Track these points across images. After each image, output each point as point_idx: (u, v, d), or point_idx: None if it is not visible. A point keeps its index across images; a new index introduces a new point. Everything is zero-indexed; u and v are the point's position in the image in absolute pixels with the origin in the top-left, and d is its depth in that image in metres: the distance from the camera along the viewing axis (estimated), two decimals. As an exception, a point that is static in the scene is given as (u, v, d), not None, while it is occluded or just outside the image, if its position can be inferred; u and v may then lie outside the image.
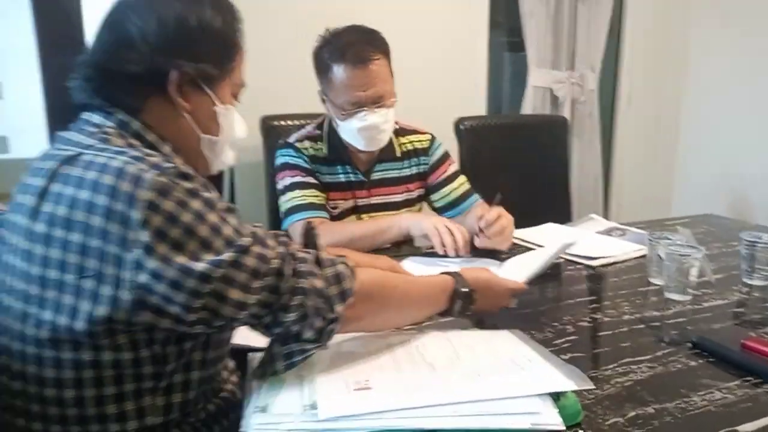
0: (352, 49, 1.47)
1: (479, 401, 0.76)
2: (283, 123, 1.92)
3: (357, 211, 1.64)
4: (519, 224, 1.69)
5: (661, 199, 3.17)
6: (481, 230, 1.45)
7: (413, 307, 0.99)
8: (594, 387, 0.83)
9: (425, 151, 1.70)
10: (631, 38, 2.97)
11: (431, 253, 1.46)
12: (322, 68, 1.52)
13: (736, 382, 0.91)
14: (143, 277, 0.71)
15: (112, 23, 0.86)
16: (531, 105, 2.77)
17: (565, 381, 0.80)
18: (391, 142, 1.63)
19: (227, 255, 0.74)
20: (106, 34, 0.86)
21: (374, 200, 1.66)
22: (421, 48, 2.47)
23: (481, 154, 2.05)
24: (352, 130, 1.52)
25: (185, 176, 0.76)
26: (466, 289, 1.02)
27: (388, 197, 1.67)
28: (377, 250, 1.46)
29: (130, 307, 0.72)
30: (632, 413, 0.82)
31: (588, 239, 1.66)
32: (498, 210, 1.48)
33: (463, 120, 2.04)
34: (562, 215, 2.02)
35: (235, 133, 0.96)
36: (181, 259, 0.71)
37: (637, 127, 3.06)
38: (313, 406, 0.74)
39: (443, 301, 1.01)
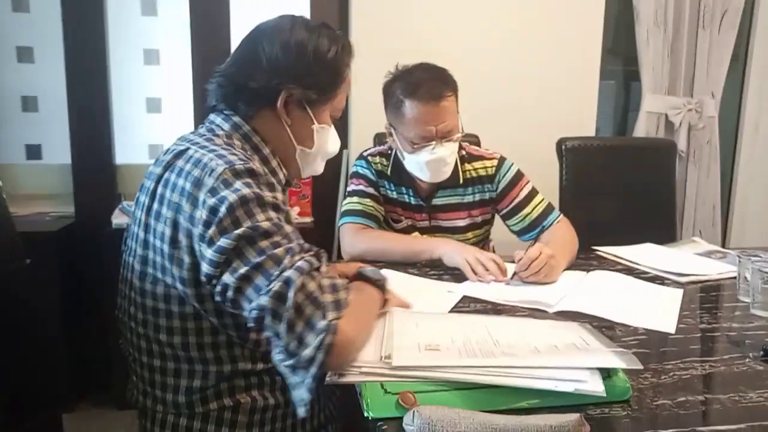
0: (424, 85, 1.54)
1: (532, 367, 0.87)
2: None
3: (418, 230, 1.73)
4: (619, 245, 1.74)
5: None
6: (515, 274, 1.43)
7: (375, 317, 1.03)
8: (642, 368, 0.89)
9: (491, 179, 1.71)
10: (758, 64, 2.86)
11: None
12: (393, 103, 1.60)
13: (800, 387, 0.93)
14: (201, 248, 0.89)
15: (247, 43, 1.08)
16: (644, 131, 2.75)
17: (615, 360, 0.88)
18: (455, 168, 1.66)
19: (242, 230, 0.87)
20: (241, 52, 1.08)
21: (435, 223, 1.73)
22: (532, 71, 2.57)
23: (583, 175, 2.10)
24: (419, 163, 1.60)
25: (251, 173, 0.93)
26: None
27: (450, 222, 1.73)
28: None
29: (198, 275, 0.91)
30: (682, 398, 0.88)
31: (684, 259, 1.67)
32: (537, 248, 1.43)
33: (565, 140, 2.11)
34: (667, 240, 2.00)
35: (328, 149, 1.15)
36: (218, 239, 0.87)
37: (762, 156, 2.92)
38: (388, 357, 0.89)
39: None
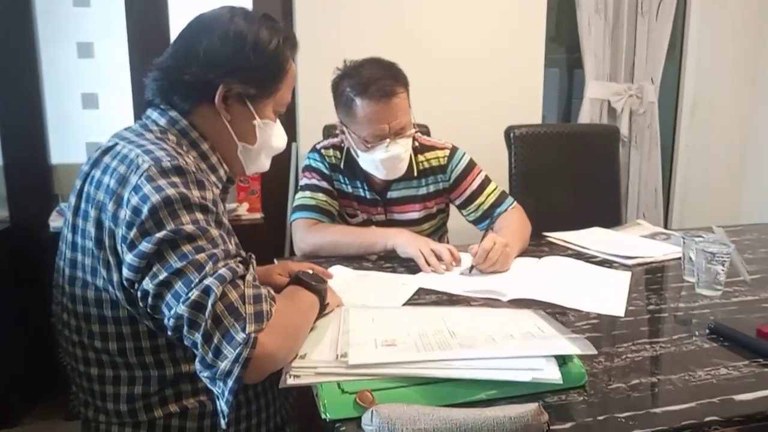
0: (375, 83, 1.51)
1: (489, 358, 0.86)
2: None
3: (374, 224, 1.71)
4: (568, 230, 1.77)
5: (729, 211, 3.11)
6: (473, 267, 1.42)
7: (309, 324, 0.99)
8: (596, 353, 0.91)
9: (443, 169, 1.71)
10: (693, 50, 2.96)
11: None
12: (343, 101, 1.56)
13: (745, 362, 0.96)
14: (123, 249, 0.85)
15: (185, 35, 1.03)
16: (588, 117, 2.80)
17: (570, 346, 0.89)
18: (408, 164, 1.64)
19: (164, 234, 0.83)
20: (177, 45, 1.03)
21: (391, 217, 1.72)
22: (478, 60, 2.59)
23: (532, 162, 2.12)
24: (374, 161, 1.57)
25: (178, 171, 0.88)
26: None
27: (406, 214, 1.72)
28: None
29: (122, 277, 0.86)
30: (635, 381, 0.90)
31: (630, 241, 1.71)
32: (491, 238, 1.43)
33: (513, 128, 2.12)
34: (613, 222, 2.05)
35: (272, 145, 1.10)
36: (140, 242, 0.83)
37: (701, 139, 3.03)
38: (344, 356, 0.87)
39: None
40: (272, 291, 0.89)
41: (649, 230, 1.85)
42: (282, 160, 2.39)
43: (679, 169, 3.05)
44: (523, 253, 1.57)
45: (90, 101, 2.38)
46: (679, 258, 1.47)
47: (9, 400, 2.10)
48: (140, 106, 1.14)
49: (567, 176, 2.17)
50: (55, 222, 2.09)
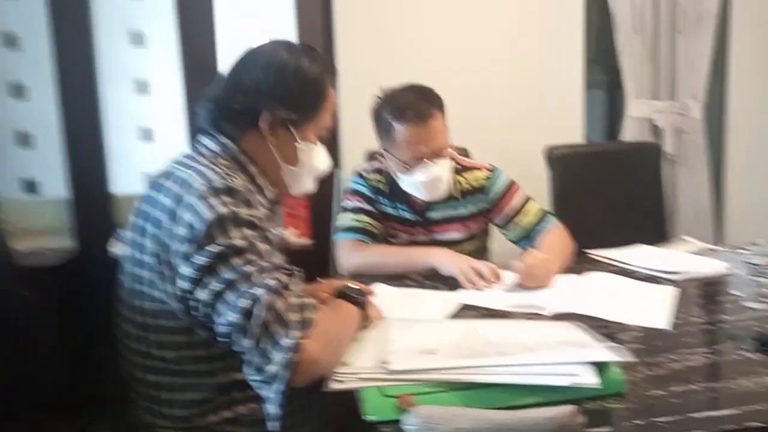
0: (411, 107, 1.57)
1: (527, 364, 0.88)
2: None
3: (416, 245, 1.72)
4: (611, 248, 1.76)
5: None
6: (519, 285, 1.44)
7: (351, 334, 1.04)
8: (635, 360, 0.91)
9: (484, 189, 1.73)
10: (737, 67, 2.92)
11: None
12: (383, 127, 1.62)
13: (791, 372, 0.95)
14: (178, 263, 0.92)
15: (233, 67, 1.12)
16: (631, 136, 2.78)
17: (607, 353, 0.90)
18: (448, 184, 1.67)
19: (216, 248, 0.90)
20: (227, 77, 1.12)
21: (433, 237, 1.74)
22: (517, 83, 2.61)
23: (572, 182, 2.13)
24: (414, 183, 1.62)
25: (229, 191, 0.95)
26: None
27: (448, 234, 1.74)
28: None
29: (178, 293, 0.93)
30: (676, 388, 0.90)
31: (676, 257, 1.69)
32: (532, 255, 1.46)
33: (553, 149, 2.14)
34: (657, 240, 2.02)
35: (315, 166, 1.17)
36: (194, 256, 0.90)
37: (749, 155, 2.96)
38: (385, 362, 0.91)
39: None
40: (315, 302, 0.94)
41: (695, 246, 1.82)
42: (326, 186, 2.46)
43: (728, 185, 2.98)
44: (565, 271, 1.58)
45: (146, 134, 2.52)
46: (727, 273, 1.45)
47: (65, 419, 2.19)
48: (193, 137, 1.24)
49: (609, 194, 2.17)
50: (114, 248, 2.21)
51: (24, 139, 2.41)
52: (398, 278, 1.55)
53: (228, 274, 0.89)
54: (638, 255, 1.71)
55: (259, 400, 1.01)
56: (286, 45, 1.12)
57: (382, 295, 1.40)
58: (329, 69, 1.14)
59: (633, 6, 2.68)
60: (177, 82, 2.45)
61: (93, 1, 2.34)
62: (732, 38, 2.90)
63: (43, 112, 2.36)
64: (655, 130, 2.84)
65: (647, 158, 2.23)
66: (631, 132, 2.79)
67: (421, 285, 1.51)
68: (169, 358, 0.99)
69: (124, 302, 1.04)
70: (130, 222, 1.06)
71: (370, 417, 0.82)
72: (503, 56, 2.61)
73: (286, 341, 0.86)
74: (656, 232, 2.18)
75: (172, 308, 0.96)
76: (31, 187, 2.45)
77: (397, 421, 0.80)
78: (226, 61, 1.15)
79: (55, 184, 2.41)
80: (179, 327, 0.98)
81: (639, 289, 1.43)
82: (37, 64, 2.34)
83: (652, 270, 1.56)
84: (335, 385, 0.88)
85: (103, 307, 2.08)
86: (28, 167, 2.44)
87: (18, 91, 2.38)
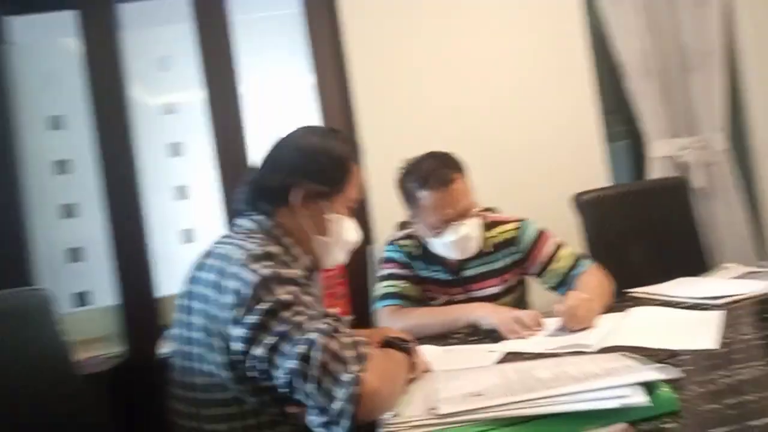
0: (433, 174, 1.64)
1: (575, 393, 0.88)
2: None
3: (456, 304, 1.75)
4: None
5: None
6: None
7: (402, 374, 1.08)
8: (683, 376, 0.90)
9: (515, 241, 1.77)
10: (754, 92, 2.94)
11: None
12: (408, 196, 1.70)
13: None
14: (229, 329, 0.98)
15: (269, 152, 1.23)
16: (658, 176, 2.80)
17: (654, 373, 0.90)
18: (480, 239, 1.72)
19: (266, 306, 0.96)
20: (263, 160, 1.22)
21: (471, 295, 1.76)
22: (537, 140, 2.69)
23: (603, 225, 2.14)
24: (446, 245, 1.67)
25: (268, 256, 1.03)
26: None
27: (485, 290, 1.77)
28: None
29: (232, 357, 0.98)
30: (731, 401, 0.88)
31: (719, 283, 1.67)
32: (573, 296, 1.48)
33: (581, 195, 2.17)
34: (699, 272, 1.99)
35: (345, 238, 1.25)
36: (245, 318, 0.96)
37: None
38: (434, 408, 0.92)
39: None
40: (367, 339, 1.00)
41: (738, 271, 1.80)
42: (362, 264, 2.52)
43: (764, 208, 2.93)
44: (608, 310, 1.57)
45: (187, 236, 2.65)
46: (774, 291, 1.43)
47: None
48: (230, 222, 1.34)
49: (641, 233, 2.16)
50: (163, 349, 2.28)
51: (75, 255, 2.56)
52: (441, 338, 1.56)
53: (280, 327, 0.95)
54: (680, 287, 1.69)
55: None
56: (315, 129, 1.26)
57: (426, 354, 1.41)
58: (353, 147, 1.26)
59: (640, 51, 2.77)
60: (213, 184, 2.59)
61: (133, 119, 2.55)
62: (744, 66, 2.95)
63: (92, 227, 2.52)
64: (682, 167, 2.85)
65: (674, 193, 2.24)
66: (657, 173, 2.80)
67: (465, 342, 1.52)
68: (222, 431, 1.02)
69: (177, 382, 1.09)
70: (178, 303, 1.12)
71: (426, 461, 0.83)
72: (520, 116, 2.70)
73: (346, 376, 0.90)
74: (696, 264, 2.14)
75: (222, 380, 1.01)
76: (83, 298, 2.57)
77: (452, 462, 0.81)
78: (255, 155, 1.27)
79: (105, 293, 2.52)
80: (229, 398, 1.02)
81: (684, 317, 1.41)
82: (86, 184, 2.53)
83: (695, 298, 1.54)
84: (388, 435, 0.89)
85: (153, 407, 2.14)
86: (79, 281, 2.57)
87: (69, 210, 2.56)
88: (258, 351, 0.95)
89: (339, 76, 2.64)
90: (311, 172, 1.17)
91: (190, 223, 2.66)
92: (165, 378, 1.16)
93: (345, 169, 1.22)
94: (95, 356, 2.46)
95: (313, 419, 0.92)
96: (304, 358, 0.92)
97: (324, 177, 1.19)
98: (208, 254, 1.10)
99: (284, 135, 1.25)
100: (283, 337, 0.94)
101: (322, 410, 0.90)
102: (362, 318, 2.50)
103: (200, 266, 1.09)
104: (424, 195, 1.65)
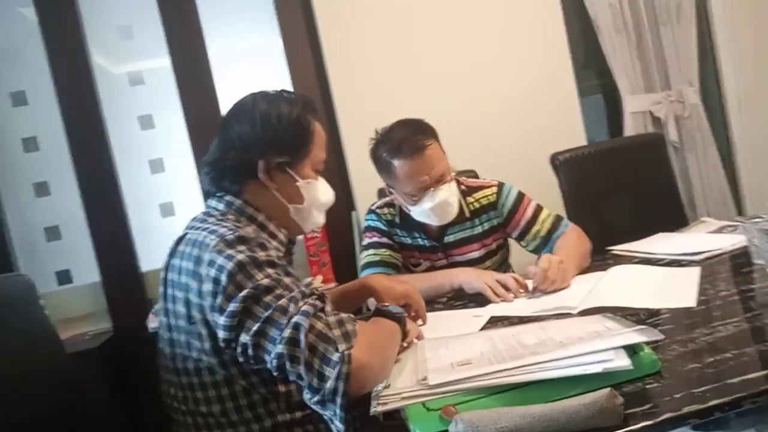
0: (405, 142, 1.62)
1: (559, 359, 0.91)
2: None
3: (437, 269, 1.78)
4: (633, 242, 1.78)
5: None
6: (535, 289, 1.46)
7: (394, 345, 1.09)
8: (663, 338, 0.93)
9: (494, 205, 1.78)
10: (726, 49, 2.96)
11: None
12: (382, 165, 1.69)
13: (822, 326, 0.96)
14: (215, 317, 0.98)
15: (221, 129, 1.19)
16: (633, 131, 2.82)
17: (636, 336, 0.93)
18: (459, 204, 1.73)
19: (246, 292, 0.95)
20: (218, 138, 1.19)
21: (452, 260, 1.79)
22: (512, 99, 2.69)
23: (582, 184, 2.16)
24: (424, 211, 1.67)
25: (242, 240, 1.01)
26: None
27: (466, 255, 1.79)
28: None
29: (217, 344, 0.99)
30: (711, 359, 0.92)
31: (696, 239, 1.71)
32: (546, 258, 1.48)
33: (557, 155, 2.18)
34: (678, 227, 2.03)
35: (320, 200, 1.23)
36: (227, 305, 0.96)
37: (754, 129, 2.97)
38: (424, 379, 0.94)
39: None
40: (352, 315, 1.00)
41: (715, 225, 1.83)
42: (345, 229, 2.52)
43: (740, 162, 2.99)
44: (589, 269, 1.60)
45: (167, 210, 2.61)
46: (747, 244, 1.46)
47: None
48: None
49: (620, 191, 2.19)
50: (152, 323, 2.28)
51: (52, 233, 2.52)
52: (427, 303, 1.58)
53: (264, 313, 0.95)
54: (659, 243, 1.73)
55: None
56: (263, 95, 1.19)
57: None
58: (309, 106, 1.20)
59: (611, 6, 2.76)
60: (189, 156, 2.55)
61: (101, 94, 2.48)
62: (715, 20, 2.96)
63: (67, 204, 2.48)
64: (657, 121, 2.88)
65: (652, 149, 2.26)
66: (633, 129, 2.83)
67: (450, 307, 1.55)
68: (215, 411, 1.03)
69: (167, 367, 1.09)
70: (159, 293, 1.12)
71: (419, 431, 0.85)
72: (494, 76, 2.69)
73: (335, 355, 0.91)
74: (676, 219, 2.19)
75: (210, 364, 1.02)
76: (65, 277, 2.54)
77: (444, 432, 0.83)
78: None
79: (86, 270, 2.50)
80: (219, 380, 1.02)
81: (663, 275, 1.45)
82: (56, 160, 2.47)
83: (673, 255, 1.58)
84: (380, 408, 0.90)
85: (144, 380, 2.15)
86: (59, 259, 2.53)
87: (41, 188, 2.50)
88: (245, 338, 0.95)
89: (309, 38, 2.59)
90: (269, 143, 1.13)
91: (168, 197, 2.62)
92: (154, 350, 1.16)
93: (303, 132, 1.17)
94: (82, 334, 2.45)
95: (307, 397, 0.93)
96: (292, 342, 0.92)
97: (284, 146, 1.15)
98: (180, 240, 1.09)
99: (234, 106, 1.19)
100: (268, 321, 0.94)
101: (316, 390, 0.92)
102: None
103: (175, 254, 1.08)
104: (398, 164, 1.64)
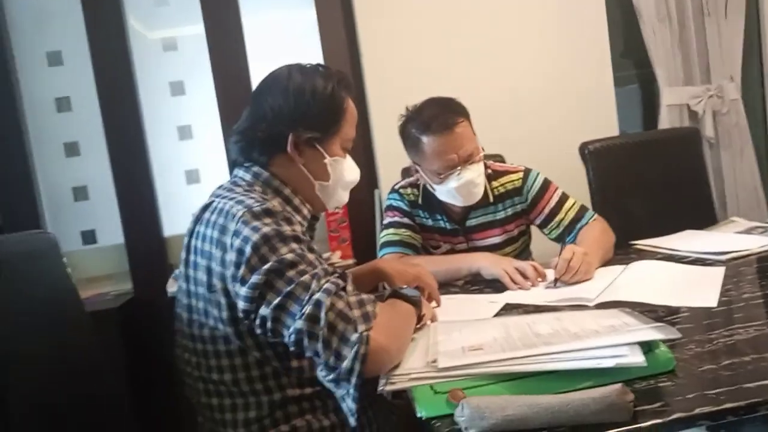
0: (435, 119, 1.61)
1: (573, 350, 0.90)
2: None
3: (457, 253, 1.76)
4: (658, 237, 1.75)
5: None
6: (557, 280, 1.44)
7: (410, 327, 1.09)
8: (680, 336, 0.91)
9: (519, 191, 1.75)
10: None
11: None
12: (411, 142, 1.67)
13: None
14: (236, 287, 0.98)
15: (254, 98, 1.18)
16: (668, 124, 2.75)
17: (652, 333, 0.91)
18: (483, 188, 1.71)
19: (270, 265, 0.95)
20: (249, 109, 1.18)
21: (473, 244, 1.77)
22: (547, 85, 2.63)
23: (610, 175, 2.12)
24: (450, 191, 1.65)
25: (268, 212, 1.01)
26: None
27: (487, 240, 1.77)
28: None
29: (235, 314, 0.99)
30: (728, 362, 0.90)
31: (723, 238, 1.67)
32: (569, 249, 1.46)
33: (587, 144, 2.14)
34: (706, 225, 1.98)
35: (345, 179, 1.22)
36: (249, 277, 0.96)
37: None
38: (434, 362, 0.93)
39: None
40: (373, 296, 1.00)
41: (744, 226, 1.79)
42: (367, 207, 2.52)
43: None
44: (610, 262, 1.58)
45: (192, 177, 2.64)
46: (779, 247, 1.42)
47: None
48: (231, 172, 1.32)
49: (649, 184, 2.14)
50: (171, 288, 2.31)
51: (80, 193, 2.56)
52: (443, 286, 1.58)
53: (286, 287, 0.95)
54: (684, 240, 1.69)
55: (313, 412, 1.07)
56: (299, 67, 1.17)
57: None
58: (344, 82, 1.18)
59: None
60: (217, 125, 2.56)
61: (134, 58, 2.50)
62: (764, 14, 2.85)
63: (96, 165, 2.51)
64: (694, 116, 2.80)
65: (686, 144, 2.20)
66: (668, 122, 2.75)
67: (466, 291, 1.54)
68: (227, 380, 1.05)
69: (182, 333, 1.11)
70: (181, 259, 1.13)
71: (423, 413, 0.85)
72: (528, 60, 2.63)
73: (354, 336, 0.91)
74: (705, 217, 2.14)
75: (226, 333, 1.02)
76: (90, 237, 2.59)
77: (449, 416, 0.83)
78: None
79: (111, 231, 2.54)
80: (234, 350, 1.03)
81: (685, 273, 1.42)
82: (88, 121, 2.50)
83: (698, 253, 1.55)
84: (388, 387, 0.91)
85: (162, 342, 2.19)
86: (85, 219, 2.58)
87: (72, 148, 2.54)
88: (265, 311, 0.95)
89: (343, 13, 2.56)
90: (301, 117, 1.12)
91: (194, 164, 2.64)
92: (172, 314, 1.17)
93: (336, 109, 1.16)
94: (104, 293, 2.50)
95: (322, 375, 0.93)
96: (312, 318, 0.92)
97: (315, 121, 1.13)
98: (207, 208, 1.09)
99: (268, 77, 1.18)
100: (290, 296, 0.94)
101: (331, 368, 0.92)
102: (365, 262, 2.53)
103: (201, 221, 1.08)
104: (427, 140, 1.62)
